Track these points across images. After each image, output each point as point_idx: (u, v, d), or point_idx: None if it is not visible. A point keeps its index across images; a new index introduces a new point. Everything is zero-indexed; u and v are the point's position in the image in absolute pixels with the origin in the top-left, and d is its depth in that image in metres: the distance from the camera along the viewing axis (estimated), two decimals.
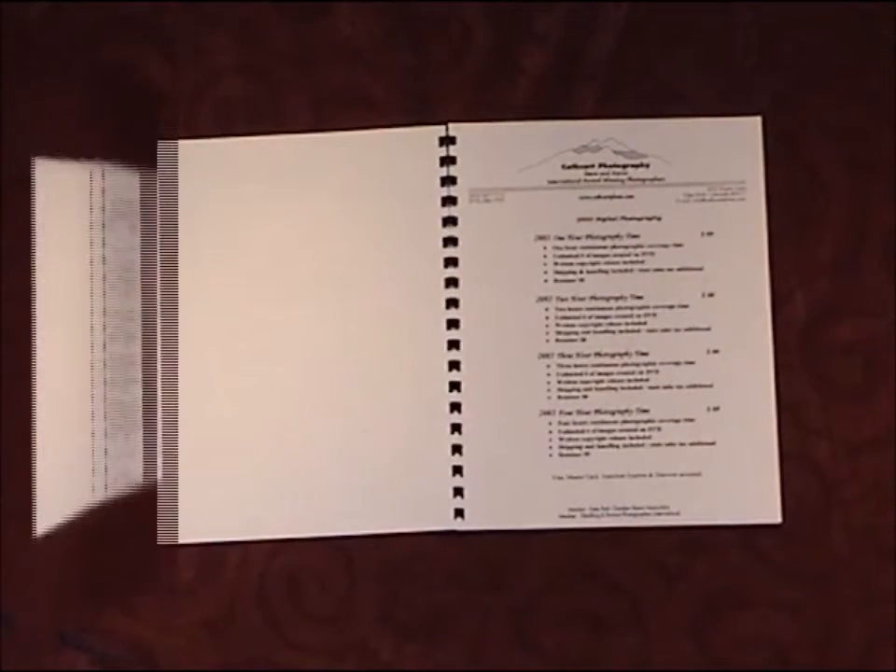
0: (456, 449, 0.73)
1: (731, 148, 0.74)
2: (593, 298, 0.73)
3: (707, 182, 0.74)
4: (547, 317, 0.73)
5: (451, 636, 0.72)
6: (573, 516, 0.72)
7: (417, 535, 0.72)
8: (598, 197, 0.74)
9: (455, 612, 0.72)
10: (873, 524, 0.71)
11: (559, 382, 0.73)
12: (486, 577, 0.72)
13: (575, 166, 0.75)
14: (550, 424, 0.73)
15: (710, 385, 0.72)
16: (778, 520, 0.71)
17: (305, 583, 0.72)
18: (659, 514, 0.72)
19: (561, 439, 0.73)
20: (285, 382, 0.73)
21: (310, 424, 0.73)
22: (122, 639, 0.72)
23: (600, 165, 0.75)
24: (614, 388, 0.73)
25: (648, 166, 0.74)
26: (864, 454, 0.72)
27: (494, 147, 0.75)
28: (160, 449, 0.73)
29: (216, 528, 0.73)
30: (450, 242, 0.74)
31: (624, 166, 0.75)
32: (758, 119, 0.74)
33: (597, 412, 0.73)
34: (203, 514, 0.73)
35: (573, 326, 0.73)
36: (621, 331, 0.73)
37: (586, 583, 0.72)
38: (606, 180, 0.74)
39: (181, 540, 0.73)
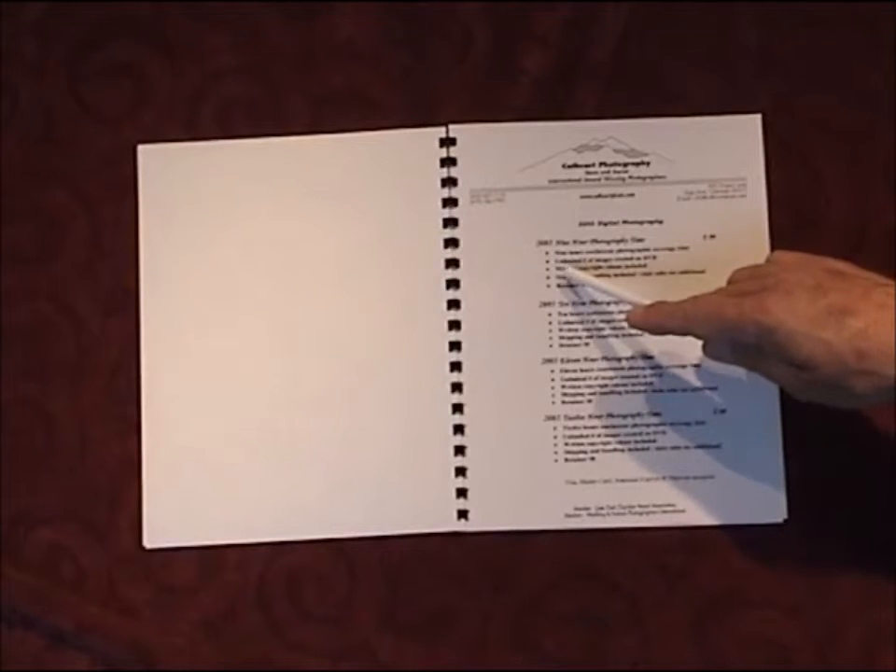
0: (459, 450, 0.73)
1: (731, 146, 0.74)
2: (594, 302, 0.73)
3: (707, 179, 0.74)
4: (550, 322, 0.73)
5: (451, 636, 0.72)
6: (579, 515, 0.72)
7: (417, 535, 0.72)
8: (599, 196, 0.74)
9: (456, 613, 0.72)
10: (873, 524, 0.72)
11: (563, 386, 0.73)
12: (486, 577, 0.72)
13: (576, 165, 0.75)
14: (555, 429, 0.73)
15: (715, 388, 0.73)
16: (782, 520, 0.72)
17: (305, 584, 0.72)
18: (665, 512, 0.72)
19: (566, 444, 0.73)
20: (285, 384, 0.73)
21: (311, 424, 0.73)
22: (122, 639, 0.72)
23: (601, 164, 0.75)
24: (619, 392, 0.73)
25: (648, 164, 0.74)
26: (866, 454, 0.72)
27: (494, 148, 0.74)
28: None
29: (215, 531, 0.73)
30: (451, 243, 0.74)
31: (625, 164, 0.75)
32: (758, 117, 0.74)
33: (603, 416, 0.73)
34: (203, 517, 0.73)
35: (577, 330, 0.73)
36: (625, 335, 0.73)
37: (587, 584, 0.72)
38: (607, 179, 0.74)
39: (180, 543, 0.73)
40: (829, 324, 0.59)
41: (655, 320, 0.67)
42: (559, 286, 0.73)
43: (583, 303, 0.73)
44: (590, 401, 0.73)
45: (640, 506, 0.72)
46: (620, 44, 0.75)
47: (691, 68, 0.75)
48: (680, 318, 0.65)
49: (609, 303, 0.73)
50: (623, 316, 0.73)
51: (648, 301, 0.68)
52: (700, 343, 0.68)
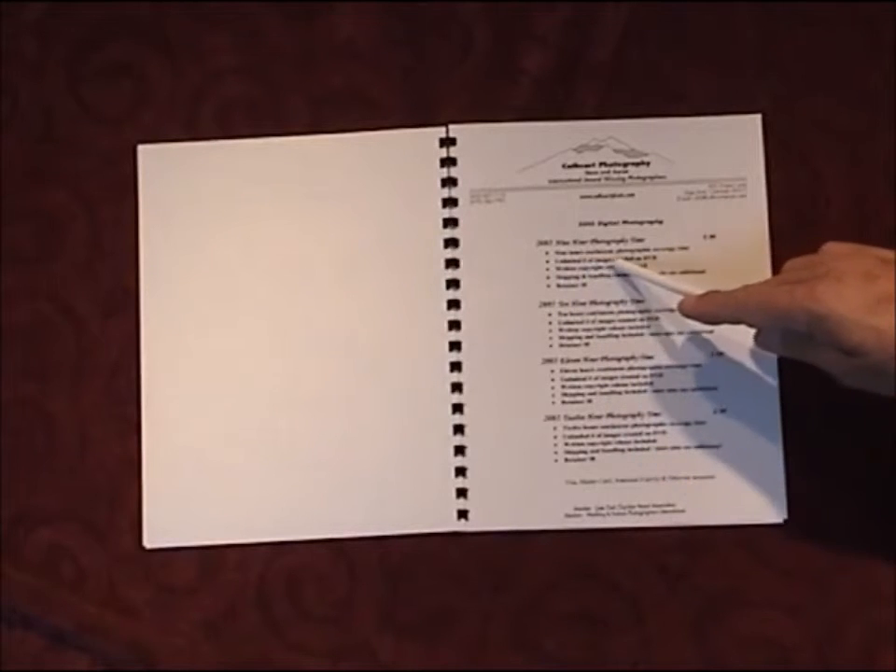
0: (459, 450, 0.73)
1: (731, 146, 0.74)
2: (594, 302, 0.73)
3: (707, 179, 0.74)
4: (550, 322, 0.73)
5: (451, 636, 0.72)
6: (579, 515, 0.72)
7: (417, 535, 0.72)
8: (599, 196, 0.74)
9: (456, 613, 0.72)
10: (873, 524, 0.72)
11: (563, 386, 0.73)
12: (486, 577, 0.72)
13: (576, 165, 0.75)
14: (555, 429, 0.73)
15: (715, 388, 0.73)
16: (782, 520, 0.72)
17: (305, 584, 0.72)
18: (665, 512, 0.72)
19: (566, 444, 0.73)
20: (285, 383, 0.73)
21: (311, 424, 0.73)
22: (122, 639, 0.72)
23: (601, 164, 0.75)
24: (619, 392, 0.73)
25: (648, 164, 0.74)
26: (866, 454, 0.72)
27: (494, 148, 0.74)
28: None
29: (215, 531, 0.73)
30: (451, 243, 0.74)
31: (625, 164, 0.74)
32: (758, 117, 0.74)
33: (602, 416, 0.73)
34: (203, 517, 0.73)
35: (576, 330, 0.73)
36: (625, 335, 0.73)
37: (587, 584, 0.72)
38: (607, 179, 0.74)
39: (180, 543, 0.73)
40: (879, 311, 0.59)
41: (707, 309, 0.68)
42: (559, 286, 0.73)
43: (583, 303, 0.73)
44: (590, 401, 0.73)
45: (640, 506, 0.72)
46: (620, 44, 0.75)
47: (691, 68, 0.75)
48: (732, 307, 0.66)
49: (609, 303, 0.73)
50: (623, 317, 0.73)
51: (699, 291, 0.69)
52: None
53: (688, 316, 0.69)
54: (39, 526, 0.73)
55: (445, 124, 0.75)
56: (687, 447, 0.72)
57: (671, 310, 0.72)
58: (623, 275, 0.73)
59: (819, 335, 0.61)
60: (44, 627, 0.72)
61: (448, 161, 0.74)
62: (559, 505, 0.72)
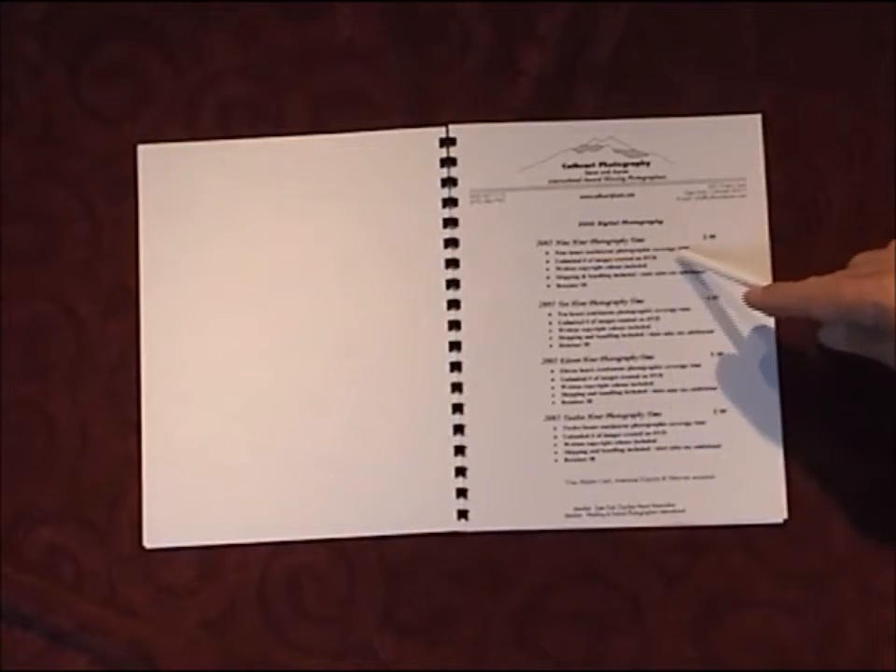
0: (459, 450, 0.73)
1: (731, 146, 0.74)
2: (594, 302, 0.73)
3: (707, 179, 0.74)
4: (550, 322, 0.73)
5: (451, 636, 0.72)
6: (579, 515, 0.72)
7: (417, 535, 0.72)
8: (599, 196, 0.74)
9: (456, 613, 0.72)
10: (873, 524, 0.72)
11: (563, 386, 0.73)
12: (486, 577, 0.72)
13: (576, 165, 0.74)
14: (555, 429, 0.73)
15: (715, 388, 0.73)
16: (782, 520, 0.72)
17: (305, 584, 0.72)
18: (665, 512, 0.72)
19: (566, 444, 0.73)
20: (285, 383, 0.73)
21: (311, 424, 0.73)
22: (122, 639, 0.72)
23: (601, 164, 0.75)
24: (619, 392, 0.73)
25: (648, 164, 0.74)
26: (866, 454, 0.72)
27: (494, 148, 0.74)
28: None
29: (215, 531, 0.73)
30: (451, 243, 0.74)
31: (625, 165, 0.74)
32: (758, 117, 0.74)
33: (602, 416, 0.73)
34: (203, 517, 0.73)
35: (576, 330, 0.73)
36: (625, 335, 0.73)
37: (587, 584, 0.72)
38: (607, 179, 0.74)
39: (180, 543, 0.73)
40: None
41: (773, 301, 0.68)
42: (559, 286, 0.73)
43: (583, 303, 0.73)
44: (590, 401, 0.73)
45: (640, 506, 0.72)
46: (620, 44, 0.75)
47: (691, 68, 0.75)
48: (798, 299, 0.65)
49: (609, 303, 0.73)
50: (623, 317, 0.73)
51: (765, 283, 0.69)
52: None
53: (753, 307, 0.69)
54: (39, 526, 0.73)
55: (445, 124, 0.75)
56: (687, 447, 0.72)
57: (671, 310, 0.73)
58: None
59: (885, 329, 0.61)
60: (44, 627, 0.72)
61: (448, 161, 0.74)
62: (559, 505, 0.72)
